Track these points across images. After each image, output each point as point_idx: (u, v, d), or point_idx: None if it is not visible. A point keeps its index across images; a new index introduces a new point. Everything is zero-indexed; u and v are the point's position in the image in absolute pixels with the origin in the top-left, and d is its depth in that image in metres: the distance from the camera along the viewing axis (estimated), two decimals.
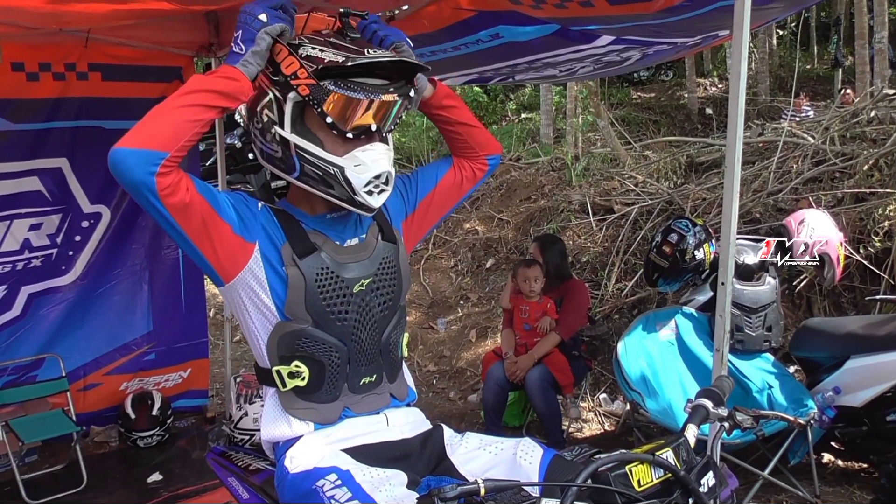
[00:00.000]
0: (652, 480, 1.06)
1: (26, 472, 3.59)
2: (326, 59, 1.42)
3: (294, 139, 1.48)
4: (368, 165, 1.48)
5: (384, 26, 1.62)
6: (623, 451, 1.10)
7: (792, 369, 3.62)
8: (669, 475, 1.08)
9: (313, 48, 1.46)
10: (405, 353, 1.78)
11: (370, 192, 1.50)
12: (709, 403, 1.29)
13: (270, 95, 1.49)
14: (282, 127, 1.48)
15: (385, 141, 1.55)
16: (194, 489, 3.57)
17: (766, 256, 3.39)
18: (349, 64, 1.41)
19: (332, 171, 1.48)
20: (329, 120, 1.45)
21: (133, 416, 4.05)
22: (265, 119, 1.51)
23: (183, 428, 4.37)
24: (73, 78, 3.64)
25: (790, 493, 3.08)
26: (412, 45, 1.64)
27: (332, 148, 1.48)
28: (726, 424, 1.27)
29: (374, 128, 1.50)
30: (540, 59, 3.25)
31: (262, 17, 1.46)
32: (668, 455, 1.09)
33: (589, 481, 1.02)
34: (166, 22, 3.39)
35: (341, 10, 1.51)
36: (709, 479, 1.09)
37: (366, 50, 1.46)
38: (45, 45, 3.46)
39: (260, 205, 1.58)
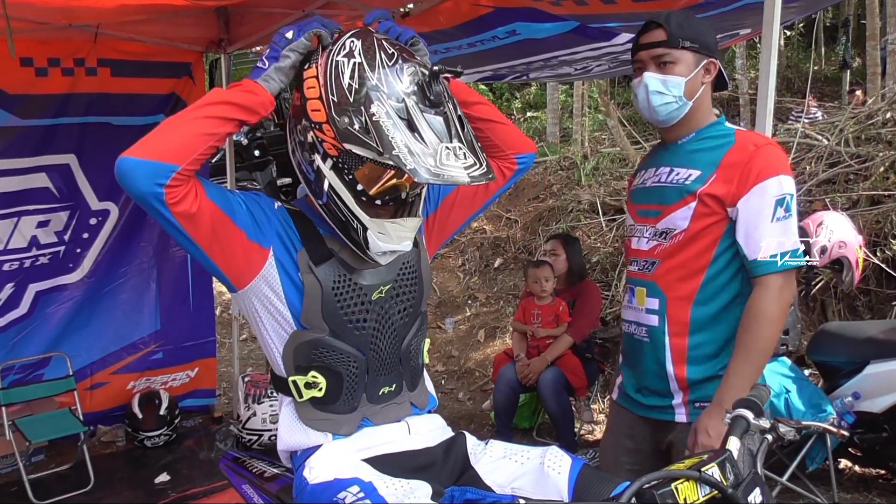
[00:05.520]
0: (698, 498, 1.01)
1: (33, 472, 3.56)
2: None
3: (331, 178, 1.40)
4: (392, 238, 1.43)
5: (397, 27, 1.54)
6: (667, 467, 1.05)
7: (806, 373, 3.56)
8: (716, 492, 1.03)
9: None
10: (426, 360, 1.72)
11: (383, 254, 1.47)
12: (749, 414, 1.23)
13: None
14: (323, 160, 1.39)
15: (417, 213, 1.48)
16: (202, 490, 3.53)
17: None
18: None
19: (354, 225, 1.42)
20: (360, 188, 1.39)
21: (140, 415, 4.01)
22: (309, 139, 1.41)
23: (190, 428, 4.34)
24: (82, 73, 3.60)
25: (808, 498, 3.03)
26: (427, 42, 1.56)
27: (364, 202, 1.41)
28: (769, 437, 1.22)
29: (405, 196, 1.43)
30: (556, 57, 3.21)
31: (289, 34, 1.40)
32: (713, 471, 1.04)
33: (633, 500, 0.97)
34: (176, 17, 3.37)
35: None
36: (756, 496, 1.05)
37: (423, 114, 1.31)
38: (54, 41, 3.43)
39: (276, 205, 1.51)
